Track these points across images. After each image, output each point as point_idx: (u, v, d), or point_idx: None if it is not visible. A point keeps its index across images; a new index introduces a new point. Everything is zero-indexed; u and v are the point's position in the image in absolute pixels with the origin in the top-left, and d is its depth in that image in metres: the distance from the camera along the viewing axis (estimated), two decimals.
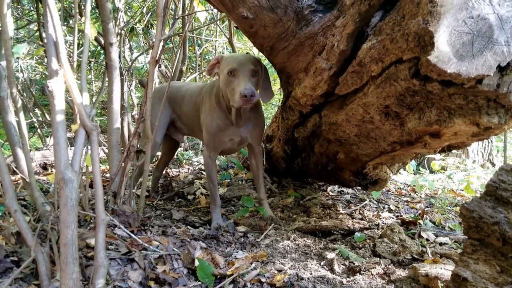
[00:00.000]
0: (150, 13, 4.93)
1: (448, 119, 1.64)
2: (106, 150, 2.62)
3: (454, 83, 1.46)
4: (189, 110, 2.95)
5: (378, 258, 2.19)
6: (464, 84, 1.44)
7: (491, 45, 1.39)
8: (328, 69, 1.94)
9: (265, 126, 3.00)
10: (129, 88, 4.77)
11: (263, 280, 1.88)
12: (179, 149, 4.64)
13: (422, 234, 2.54)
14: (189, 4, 3.84)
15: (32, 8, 5.27)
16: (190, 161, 4.81)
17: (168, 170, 4.29)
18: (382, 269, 2.05)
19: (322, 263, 2.14)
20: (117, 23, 4.05)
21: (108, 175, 3.17)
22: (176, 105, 3.08)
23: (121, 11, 4.06)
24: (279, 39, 2.13)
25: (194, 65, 5.34)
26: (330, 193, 3.51)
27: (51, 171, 4.10)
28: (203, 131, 2.69)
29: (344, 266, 2.12)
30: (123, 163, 2.28)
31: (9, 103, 1.96)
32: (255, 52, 5.71)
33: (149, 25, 4.95)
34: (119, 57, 3.00)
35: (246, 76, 2.24)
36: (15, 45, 2.64)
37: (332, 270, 2.06)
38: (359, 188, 3.44)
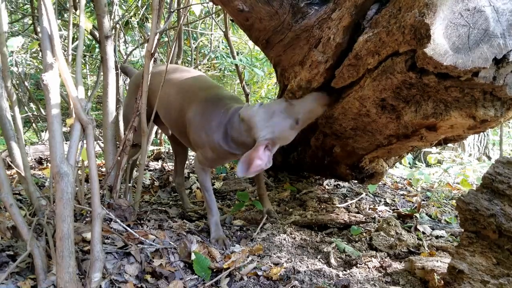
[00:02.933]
0: (145, 6, 4.90)
1: (445, 112, 1.64)
2: (102, 145, 2.60)
3: (450, 75, 1.46)
4: (171, 115, 2.54)
5: (375, 251, 2.20)
6: (461, 76, 1.44)
7: (487, 37, 1.39)
8: (324, 62, 1.93)
9: None
10: (124, 82, 4.75)
11: (259, 273, 1.89)
12: None
13: (419, 227, 2.55)
14: None
15: (26, 2, 5.23)
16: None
17: (164, 164, 4.28)
18: (379, 262, 2.06)
19: (318, 257, 2.14)
20: (112, 17, 4.02)
21: (104, 169, 3.15)
22: (152, 96, 2.46)
23: (116, 5, 4.04)
24: (275, 32, 2.12)
25: (190, 59, 5.32)
26: (326, 187, 3.51)
27: (47, 166, 4.09)
28: (198, 150, 2.38)
29: (340, 259, 2.13)
30: (118, 157, 2.27)
31: (3, 97, 1.94)
32: (250, 45, 5.69)
33: (144, 19, 4.92)
34: (114, 51, 2.98)
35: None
36: (9, 38, 2.62)
37: (328, 263, 2.07)
38: (355, 181, 3.45)
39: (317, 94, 2.08)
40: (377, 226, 2.51)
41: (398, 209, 3.01)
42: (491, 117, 1.56)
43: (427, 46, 1.38)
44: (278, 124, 2.05)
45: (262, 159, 1.98)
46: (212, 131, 2.24)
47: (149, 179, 3.72)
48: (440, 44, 1.38)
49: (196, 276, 1.84)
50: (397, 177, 4.19)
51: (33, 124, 5.36)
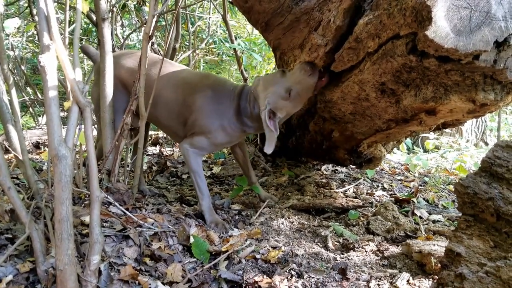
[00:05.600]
0: None
1: (444, 96, 1.63)
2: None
3: (451, 59, 1.45)
4: (168, 110, 2.46)
5: (372, 235, 2.21)
6: (461, 60, 1.43)
7: (489, 20, 1.38)
8: (324, 45, 1.92)
9: None
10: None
11: (257, 256, 1.90)
12: None
13: (416, 211, 2.56)
14: None
15: None
16: None
17: (162, 150, 4.28)
18: (376, 245, 2.07)
19: (316, 240, 2.16)
20: (109, 0, 3.98)
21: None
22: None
23: None
24: (275, 14, 2.10)
25: (188, 44, 5.28)
26: (324, 172, 3.52)
27: (44, 150, 4.08)
28: (201, 136, 2.35)
29: (338, 243, 2.14)
30: (117, 141, 2.26)
31: (0, 80, 1.92)
32: (249, 29, 5.65)
33: (141, 2, 4.87)
34: (111, 34, 2.95)
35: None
36: (5, 20, 2.59)
37: (326, 247, 2.08)
38: (353, 167, 3.45)
39: (302, 64, 2.13)
40: (374, 210, 2.52)
41: (396, 194, 3.02)
42: (491, 101, 1.56)
43: (428, 28, 1.37)
44: (272, 94, 2.15)
45: (271, 129, 2.14)
46: (225, 111, 2.31)
47: (147, 164, 3.71)
48: (442, 27, 1.37)
49: (194, 259, 1.85)
50: (395, 163, 4.19)
51: (30, 109, 5.33)
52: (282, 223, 2.33)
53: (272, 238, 2.14)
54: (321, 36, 1.92)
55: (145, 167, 3.61)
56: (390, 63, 1.66)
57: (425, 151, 4.84)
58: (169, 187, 3.13)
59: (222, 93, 2.35)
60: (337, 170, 3.59)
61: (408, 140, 4.18)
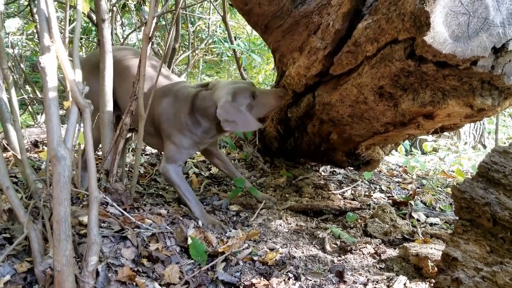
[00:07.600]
0: None
1: (442, 100, 1.64)
2: None
3: (449, 64, 1.46)
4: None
5: (369, 238, 2.22)
6: (459, 65, 1.44)
7: (487, 26, 1.39)
8: (323, 48, 1.93)
9: None
10: None
11: (255, 258, 1.90)
12: None
13: (413, 214, 2.57)
14: None
15: None
16: None
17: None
18: (373, 248, 2.08)
19: (313, 242, 2.16)
20: None
21: (100, 153, 3.14)
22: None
23: None
24: (274, 17, 2.10)
25: (187, 44, 5.28)
26: (322, 173, 3.52)
27: (43, 149, 4.07)
28: (169, 144, 2.43)
29: (335, 246, 2.15)
30: (115, 142, 2.26)
31: None
32: (248, 30, 5.65)
33: (141, 2, 4.87)
34: (111, 34, 2.95)
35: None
36: (5, 19, 2.59)
37: (323, 249, 2.09)
38: (351, 168, 3.46)
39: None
40: (372, 212, 2.53)
41: (393, 196, 3.03)
42: (488, 106, 1.57)
43: (426, 34, 1.38)
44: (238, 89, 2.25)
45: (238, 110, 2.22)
46: (180, 113, 2.36)
47: (145, 162, 3.71)
48: (440, 32, 1.38)
49: (192, 261, 1.86)
50: (393, 165, 4.20)
51: (29, 107, 5.32)
52: (280, 225, 2.34)
53: (270, 239, 2.14)
54: (320, 39, 1.93)
55: (142, 170, 3.61)
56: (388, 67, 1.67)
57: (423, 153, 4.86)
58: (167, 187, 3.13)
59: (184, 98, 2.40)
60: (335, 171, 3.59)
61: (406, 142, 4.19)
